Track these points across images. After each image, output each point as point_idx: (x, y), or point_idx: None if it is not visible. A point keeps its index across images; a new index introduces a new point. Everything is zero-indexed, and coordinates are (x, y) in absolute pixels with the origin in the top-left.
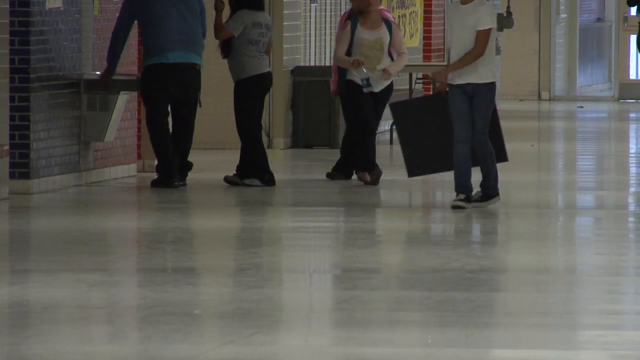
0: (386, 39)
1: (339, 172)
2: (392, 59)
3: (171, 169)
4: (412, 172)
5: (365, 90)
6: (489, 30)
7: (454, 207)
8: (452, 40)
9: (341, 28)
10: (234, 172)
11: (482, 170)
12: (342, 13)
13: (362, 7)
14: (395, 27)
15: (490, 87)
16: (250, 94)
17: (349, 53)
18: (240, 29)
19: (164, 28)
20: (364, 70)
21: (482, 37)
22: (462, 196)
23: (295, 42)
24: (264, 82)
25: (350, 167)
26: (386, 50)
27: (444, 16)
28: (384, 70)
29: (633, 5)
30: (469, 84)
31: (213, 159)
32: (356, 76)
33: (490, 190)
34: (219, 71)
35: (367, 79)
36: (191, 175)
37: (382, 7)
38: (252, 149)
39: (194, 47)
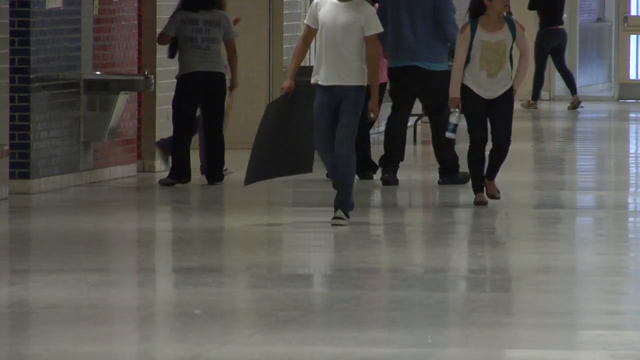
0: (509, 41)
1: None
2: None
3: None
4: (248, 180)
5: (447, 135)
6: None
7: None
8: (322, 38)
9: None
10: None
11: (343, 184)
12: None
13: None
14: (519, 27)
15: (360, 90)
16: (179, 91)
17: (468, 57)
18: (172, 29)
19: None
20: (457, 115)
21: (377, 43)
22: (340, 212)
23: (295, 42)
24: (194, 80)
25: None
26: (508, 53)
27: None
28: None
29: (534, 9)
30: (337, 86)
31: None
32: (470, 81)
33: (349, 209)
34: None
35: (455, 126)
36: (194, 176)
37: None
38: (172, 143)
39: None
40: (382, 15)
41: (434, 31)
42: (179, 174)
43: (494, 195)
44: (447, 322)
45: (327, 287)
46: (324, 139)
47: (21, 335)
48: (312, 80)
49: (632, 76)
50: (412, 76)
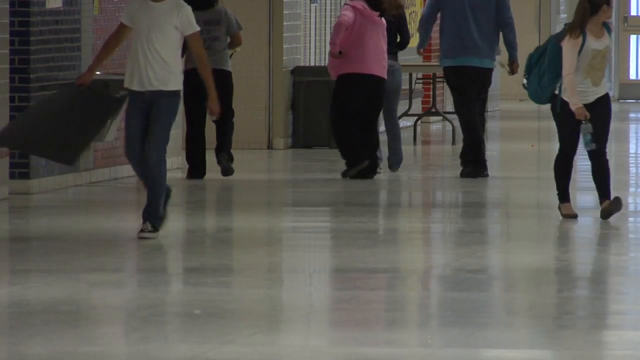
0: (611, 45)
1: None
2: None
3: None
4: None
5: (588, 148)
6: (199, 32)
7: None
8: (137, 38)
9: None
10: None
11: (151, 194)
12: None
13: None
14: (612, 29)
15: (173, 95)
16: (184, 87)
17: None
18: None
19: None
20: (589, 124)
21: (200, 42)
22: (148, 225)
23: (295, 42)
24: (193, 77)
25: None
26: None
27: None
28: None
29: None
30: (148, 91)
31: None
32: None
33: (158, 222)
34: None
35: (592, 134)
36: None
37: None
38: (186, 139)
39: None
40: (429, 14)
41: (495, 30)
42: (194, 170)
43: (616, 209)
44: (447, 322)
45: (327, 287)
46: (132, 148)
47: (21, 335)
48: (125, 84)
49: (632, 76)
50: (477, 74)
